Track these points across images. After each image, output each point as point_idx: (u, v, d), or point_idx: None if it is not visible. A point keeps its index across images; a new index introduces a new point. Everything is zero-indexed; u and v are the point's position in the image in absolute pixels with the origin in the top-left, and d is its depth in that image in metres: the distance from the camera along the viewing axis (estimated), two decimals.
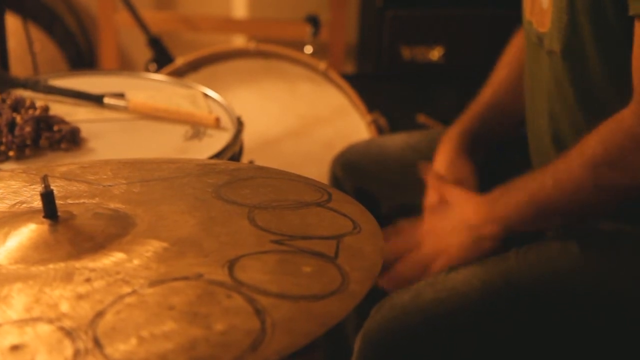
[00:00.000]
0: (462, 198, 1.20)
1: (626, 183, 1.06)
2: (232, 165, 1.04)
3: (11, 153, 1.23)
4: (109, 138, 1.32)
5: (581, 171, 1.07)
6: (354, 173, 1.52)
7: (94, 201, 0.88)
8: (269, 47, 1.98)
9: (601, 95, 1.12)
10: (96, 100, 1.42)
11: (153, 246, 0.76)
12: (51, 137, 1.26)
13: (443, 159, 1.34)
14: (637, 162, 1.04)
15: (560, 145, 1.18)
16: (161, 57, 2.07)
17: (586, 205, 1.10)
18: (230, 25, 2.70)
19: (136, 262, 0.73)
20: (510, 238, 1.16)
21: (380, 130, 1.88)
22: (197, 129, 1.35)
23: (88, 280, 0.71)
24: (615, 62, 1.08)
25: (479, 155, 1.36)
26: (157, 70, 1.99)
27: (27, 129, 1.24)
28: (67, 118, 1.32)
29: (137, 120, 1.39)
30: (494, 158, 1.40)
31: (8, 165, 1.21)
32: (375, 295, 1.18)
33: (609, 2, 1.06)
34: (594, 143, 1.07)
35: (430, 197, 1.29)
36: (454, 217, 1.19)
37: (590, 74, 1.12)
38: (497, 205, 1.15)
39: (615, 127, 1.06)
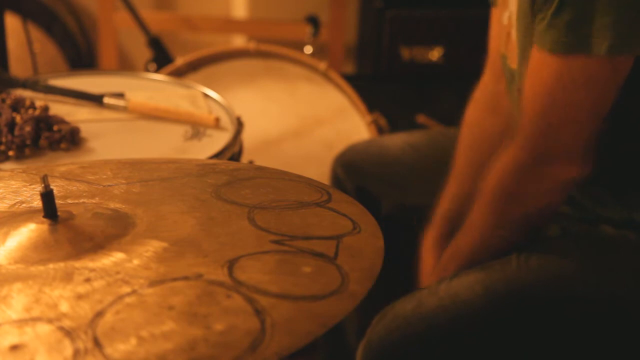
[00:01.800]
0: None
1: (530, 212, 1.12)
2: (232, 165, 1.04)
3: (11, 153, 1.23)
4: (108, 138, 1.32)
5: (485, 210, 1.14)
6: (355, 173, 1.52)
7: (93, 201, 0.88)
8: (268, 47, 1.98)
9: None
10: (96, 100, 1.42)
11: (153, 246, 0.76)
12: (51, 137, 1.26)
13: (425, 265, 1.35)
14: (530, 191, 1.10)
15: None
16: (161, 57, 2.07)
17: (502, 240, 1.15)
18: (230, 25, 2.70)
19: (136, 262, 0.73)
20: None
21: (380, 131, 1.88)
22: (196, 129, 1.35)
23: (88, 280, 0.71)
24: None
25: None
26: (157, 71, 1.99)
27: (27, 128, 1.24)
28: (67, 118, 1.32)
29: (136, 120, 1.39)
30: None
31: (8, 165, 1.21)
32: (375, 297, 1.19)
33: None
34: (491, 181, 1.14)
35: None
36: None
37: None
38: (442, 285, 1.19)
39: (506, 162, 1.12)
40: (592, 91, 1.04)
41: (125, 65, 2.72)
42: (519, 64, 1.15)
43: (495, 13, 1.28)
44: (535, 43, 1.06)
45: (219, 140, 1.31)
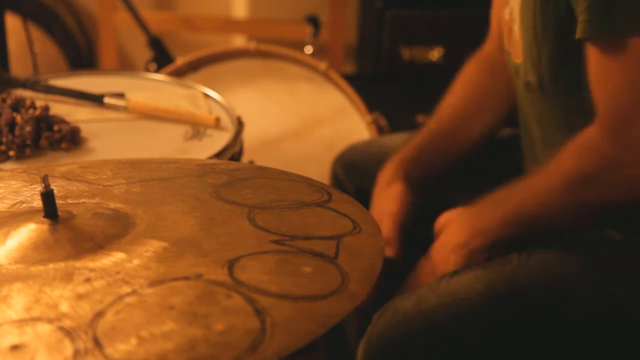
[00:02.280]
0: (447, 219, 1.21)
1: (603, 201, 1.09)
2: (232, 165, 1.04)
3: (11, 153, 1.23)
4: (109, 138, 1.32)
5: (560, 190, 1.10)
6: (355, 173, 1.52)
7: (94, 201, 0.88)
8: (269, 47, 1.98)
9: (583, 122, 1.13)
10: (96, 100, 1.42)
11: (153, 246, 0.76)
12: (51, 137, 1.26)
13: (379, 188, 1.34)
14: (611, 180, 1.07)
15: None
16: (161, 57, 2.07)
17: (567, 219, 1.13)
18: (230, 25, 2.70)
19: (136, 262, 0.73)
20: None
21: (380, 131, 1.88)
22: (197, 129, 1.35)
23: (88, 280, 0.71)
24: (589, 90, 1.09)
25: (420, 182, 1.36)
26: (157, 70, 1.99)
27: (28, 128, 1.24)
28: (67, 118, 1.32)
29: (137, 120, 1.39)
30: (487, 158, 1.41)
31: (8, 165, 1.21)
32: (377, 296, 1.19)
33: (568, 32, 1.07)
34: (569, 161, 1.09)
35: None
36: (444, 241, 1.19)
37: (568, 103, 1.14)
38: (480, 219, 1.16)
39: (586, 146, 1.08)
40: None
41: (125, 65, 2.72)
42: (524, 57, 1.16)
43: None
44: (578, 36, 1.05)
45: (219, 140, 1.31)
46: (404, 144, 1.38)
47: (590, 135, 1.08)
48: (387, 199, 1.31)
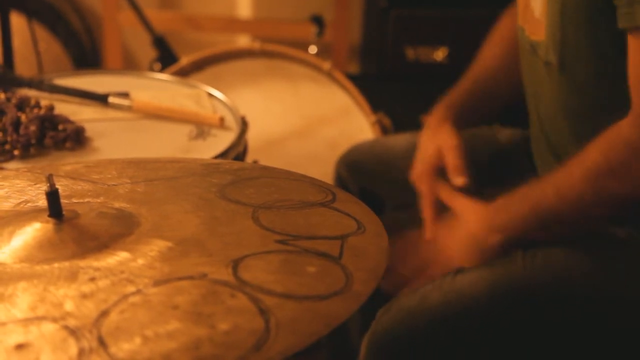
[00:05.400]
0: (466, 208, 1.21)
1: (627, 192, 1.06)
2: (236, 165, 1.04)
3: (16, 152, 1.23)
4: (113, 137, 1.33)
5: (583, 182, 1.08)
6: (359, 173, 1.52)
7: (98, 200, 0.88)
8: (273, 47, 1.98)
9: (602, 107, 1.12)
10: (101, 99, 1.42)
11: (157, 246, 0.76)
12: (56, 136, 1.26)
13: (430, 129, 1.37)
14: (638, 171, 1.04)
15: (560, 152, 1.18)
16: (165, 57, 2.07)
17: (588, 214, 1.11)
18: (234, 25, 2.71)
19: (140, 261, 0.73)
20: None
21: (384, 131, 1.88)
22: (201, 128, 1.35)
23: (92, 279, 0.71)
24: (611, 75, 1.08)
25: (465, 126, 1.37)
26: (162, 70, 1.99)
27: (32, 128, 1.25)
28: (72, 117, 1.32)
29: (141, 119, 1.39)
30: (499, 161, 1.40)
31: (13, 164, 1.21)
32: (379, 296, 1.19)
33: (599, 16, 1.06)
34: (595, 154, 1.07)
35: (428, 206, 1.30)
36: (459, 227, 1.19)
37: (589, 87, 1.13)
38: (500, 215, 1.15)
39: (615, 138, 1.06)
40: None
41: (129, 65, 2.72)
42: (547, 36, 1.14)
43: None
44: (621, 25, 1.03)
45: (223, 140, 1.31)
46: (451, 89, 1.40)
47: (620, 128, 1.05)
48: (443, 135, 1.31)
